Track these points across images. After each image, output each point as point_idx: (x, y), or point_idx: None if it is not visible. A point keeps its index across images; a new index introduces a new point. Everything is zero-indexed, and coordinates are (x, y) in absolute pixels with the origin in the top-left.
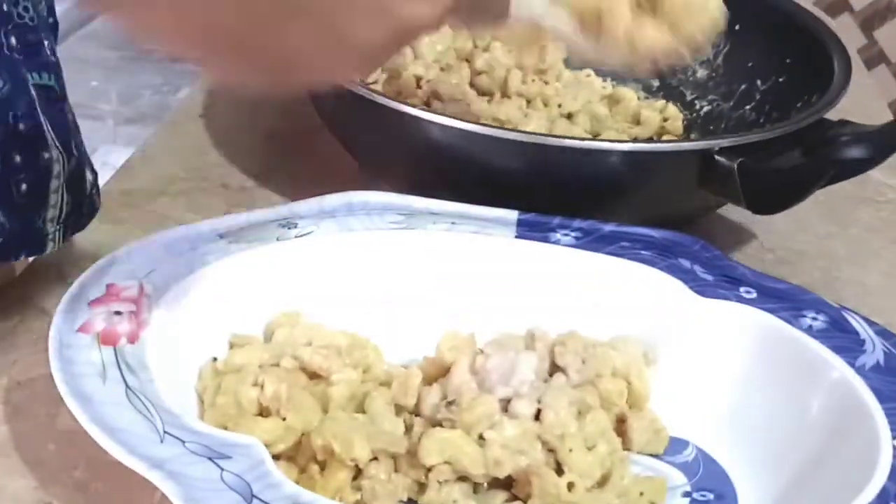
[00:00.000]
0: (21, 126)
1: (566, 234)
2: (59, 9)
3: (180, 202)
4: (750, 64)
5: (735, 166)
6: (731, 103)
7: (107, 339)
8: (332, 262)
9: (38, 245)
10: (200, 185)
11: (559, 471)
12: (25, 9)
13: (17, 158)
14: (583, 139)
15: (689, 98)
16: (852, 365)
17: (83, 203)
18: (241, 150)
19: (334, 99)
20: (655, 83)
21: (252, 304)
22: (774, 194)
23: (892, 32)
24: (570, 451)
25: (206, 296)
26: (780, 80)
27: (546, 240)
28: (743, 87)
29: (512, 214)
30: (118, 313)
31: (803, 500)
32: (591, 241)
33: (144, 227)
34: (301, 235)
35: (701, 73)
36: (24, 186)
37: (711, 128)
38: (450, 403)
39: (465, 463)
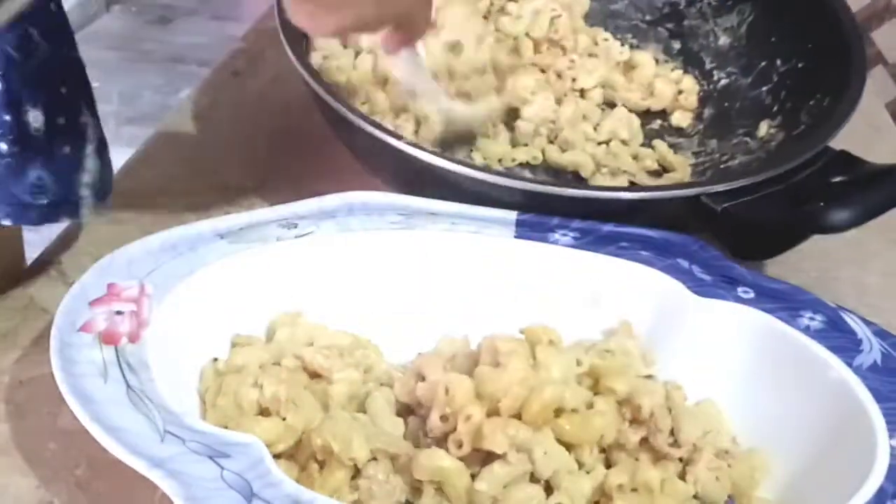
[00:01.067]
0: (63, 89)
1: (565, 235)
2: None
3: (181, 202)
4: (773, 39)
5: (719, 211)
6: (749, 80)
7: (108, 338)
8: (331, 263)
9: (73, 210)
10: (201, 185)
11: None
12: None
13: (61, 121)
14: (569, 187)
15: (707, 67)
16: (850, 365)
17: (105, 173)
18: (242, 151)
19: (336, 121)
20: (677, 45)
21: (253, 304)
22: (756, 244)
23: (890, 34)
24: None
25: (207, 296)
26: (800, 65)
27: (545, 240)
28: (763, 63)
29: (511, 215)
30: (119, 313)
31: (801, 499)
32: (590, 242)
33: (145, 227)
34: (301, 236)
35: (723, 39)
36: (66, 149)
37: (726, 104)
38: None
39: (452, 495)
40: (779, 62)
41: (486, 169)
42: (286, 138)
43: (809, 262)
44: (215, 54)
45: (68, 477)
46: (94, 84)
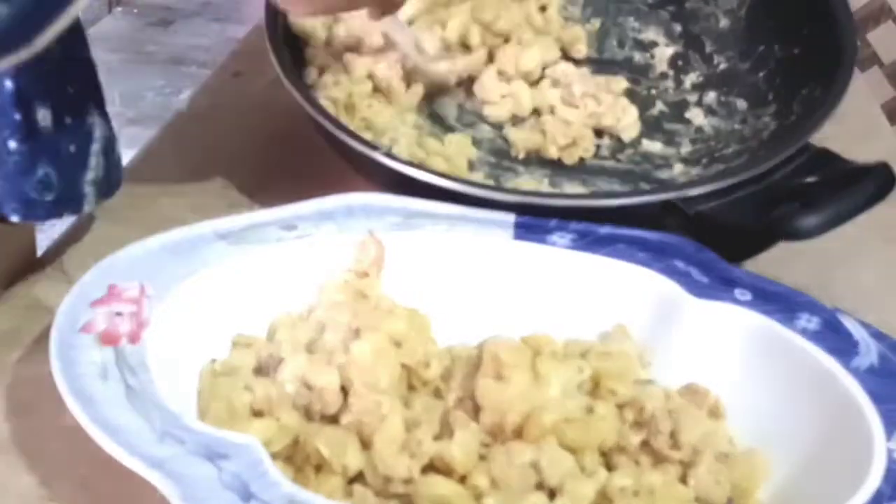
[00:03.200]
0: (70, 89)
1: (562, 237)
2: None
3: (182, 203)
4: (771, 23)
5: (691, 214)
6: (747, 64)
7: (108, 339)
8: (331, 264)
9: (76, 205)
10: (202, 186)
11: None
12: None
13: (68, 120)
14: (546, 195)
15: (708, 50)
16: (847, 367)
17: (112, 170)
18: (243, 152)
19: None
20: (678, 28)
21: (252, 305)
22: (730, 247)
23: (885, 35)
24: None
25: (207, 297)
26: (796, 51)
27: (543, 242)
28: (761, 48)
29: (509, 217)
30: (119, 314)
31: (797, 502)
32: (588, 243)
33: (146, 228)
34: (301, 237)
35: (724, 22)
36: (72, 147)
37: (726, 89)
38: None
39: None
40: (777, 47)
41: (456, 178)
42: (287, 140)
43: (805, 261)
44: (216, 56)
45: (71, 475)
46: None
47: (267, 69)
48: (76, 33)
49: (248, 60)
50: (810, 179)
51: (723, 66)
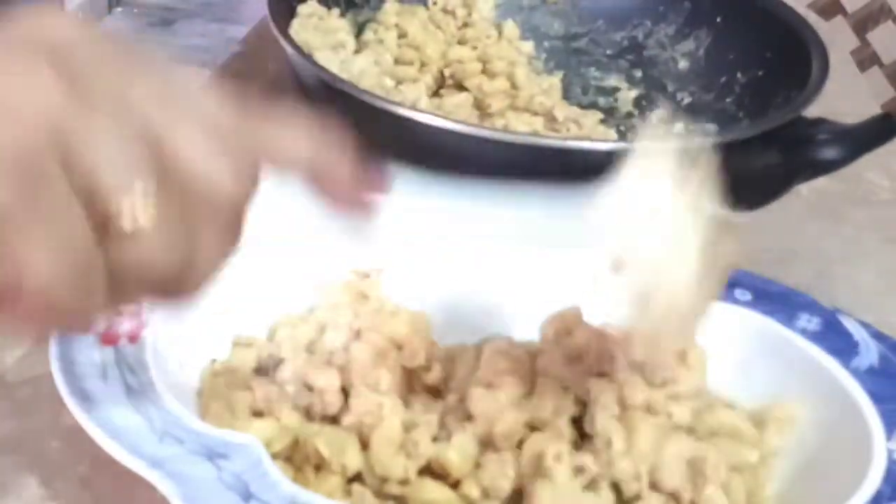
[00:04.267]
0: None
1: None
2: None
3: None
4: (731, 56)
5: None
6: (711, 95)
7: (108, 338)
8: (332, 264)
9: None
10: None
11: None
12: None
13: None
14: (566, 138)
15: (670, 89)
16: (847, 367)
17: None
18: None
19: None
20: (638, 74)
21: (254, 304)
22: (752, 192)
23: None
24: None
25: (208, 296)
26: (760, 73)
27: None
28: (724, 79)
29: None
30: (119, 313)
31: (797, 502)
32: None
33: None
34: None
35: (683, 64)
36: None
37: (693, 118)
38: None
39: None
40: (739, 75)
41: (472, 125)
42: None
43: (805, 261)
44: (216, 56)
45: (71, 475)
46: None
47: (266, 70)
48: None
49: (249, 61)
50: (821, 136)
51: (686, 100)
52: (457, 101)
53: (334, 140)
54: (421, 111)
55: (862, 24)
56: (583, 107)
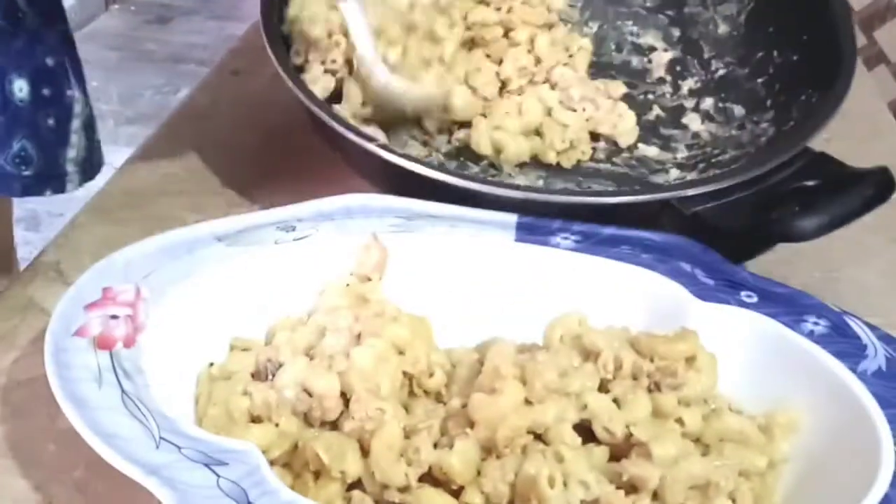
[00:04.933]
0: (49, 61)
1: (566, 238)
2: None
3: (180, 202)
4: (770, 29)
5: (688, 215)
6: (746, 70)
7: (103, 343)
8: (330, 266)
9: (59, 184)
10: (201, 185)
11: None
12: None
13: (46, 92)
14: (545, 190)
15: (706, 56)
16: (854, 370)
17: (94, 151)
18: (242, 151)
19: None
20: (676, 33)
21: (251, 308)
22: (728, 248)
23: (892, 33)
24: None
25: (204, 299)
26: (794, 57)
27: (545, 243)
28: (760, 54)
29: (511, 218)
30: (114, 317)
31: None
32: (592, 245)
33: (145, 228)
34: (299, 238)
35: (723, 28)
36: (50, 121)
37: (723, 95)
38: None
39: None
40: (775, 53)
41: (455, 173)
42: (286, 139)
43: (810, 262)
44: (215, 54)
45: (67, 479)
46: (94, 83)
47: (266, 67)
48: (53, 4)
49: (247, 58)
50: (809, 183)
51: (721, 71)
52: (483, 80)
53: None
54: (396, 154)
55: (868, 22)
56: (614, 66)
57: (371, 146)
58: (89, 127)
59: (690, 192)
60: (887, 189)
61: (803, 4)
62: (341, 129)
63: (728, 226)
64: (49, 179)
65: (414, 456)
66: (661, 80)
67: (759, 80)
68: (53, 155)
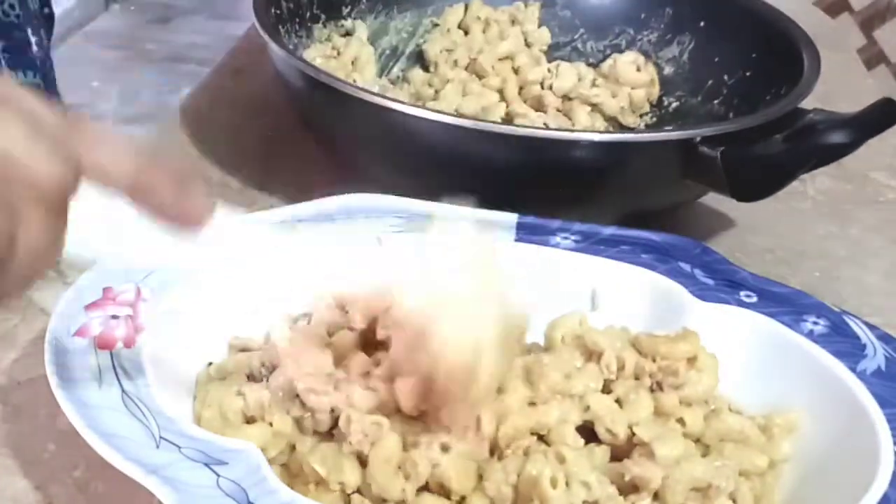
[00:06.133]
0: None
1: (566, 238)
2: (59, 10)
3: None
4: (716, 59)
5: (718, 155)
6: (698, 98)
7: (103, 343)
8: (330, 266)
9: None
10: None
11: None
12: (11, 6)
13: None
14: (567, 130)
15: (656, 97)
16: (854, 370)
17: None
18: (242, 152)
19: (310, 95)
20: None
21: (250, 308)
22: (757, 182)
23: (892, 32)
24: None
25: (204, 300)
26: (748, 73)
27: (546, 243)
28: (710, 82)
29: (511, 218)
30: (115, 317)
31: None
32: (591, 245)
33: None
34: (299, 238)
35: (668, 69)
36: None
37: (681, 122)
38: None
39: None
40: (726, 77)
41: (469, 117)
42: (286, 138)
43: (811, 261)
44: (215, 53)
45: (67, 478)
46: (94, 83)
47: (266, 66)
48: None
49: (248, 58)
50: (822, 125)
51: (674, 105)
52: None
53: (159, 164)
54: (397, 101)
55: (869, 22)
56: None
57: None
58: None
59: (716, 130)
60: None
61: (742, 29)
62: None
63: (764, 157)
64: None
65: (412, 470)
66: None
67: (715, 102)
68: None
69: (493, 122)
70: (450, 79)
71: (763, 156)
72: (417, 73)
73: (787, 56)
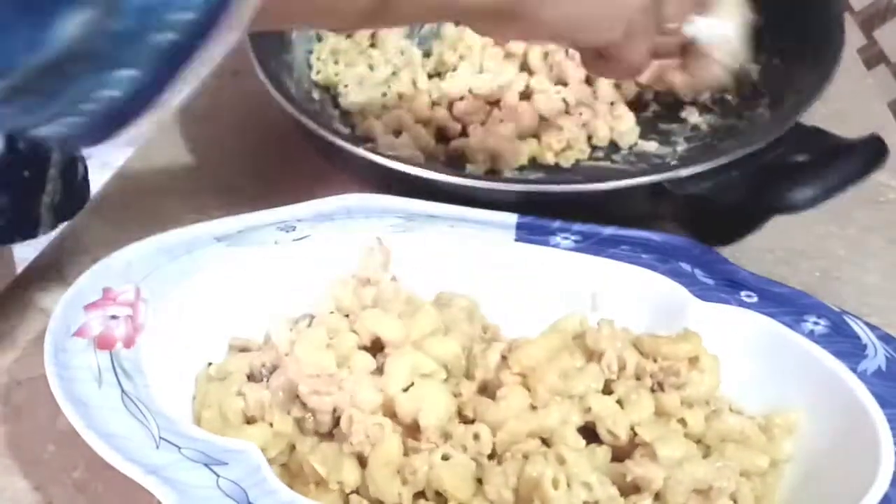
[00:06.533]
0: None
1: (566, 238)
2: None
3: (180, 204)
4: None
5: (681, 197)
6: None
7: (103, 343)
8: (330, 266)
9: (30, 230)
10: (201, 185)
11: None
12: None
13: (21, 145)
14: (532, 182)
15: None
16: (854, 370)
17: (74, 192)
18: (242, 152)
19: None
20: None
21: (250, 308)
22: (721, 229)
23: (892, 32)
24: None
25: (203, 300)
26: (777, 61)
27: (546, 243)
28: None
29: (511, 218)
30: (114, 317)
31: None
32: (591, 245)
33: (144, 228)
34: (299, 239)
35: None
36: (26, 173)
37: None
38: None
39: None
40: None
41: (447, 173)
42: (286, 139)
43: (811, 261)
44: None
45: (66, 479)
46: None
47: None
48: None
49: (247, 59)
50: (802, 158)
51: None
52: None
53: None
54: (373, 152)
55: (868, 22)
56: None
57: (361, 150)
58: (69, 171)
59: (683, 172)
60: (879, 155)
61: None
62: (331, 137)
63: (722, 203)
64: (20, 226)
65: (410, 475)
66: None
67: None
68: (27, 204)
69: (470, 176)
70: (470, 45)
71: (724, 208)
72: (438, 44)
73: (817, 41)
